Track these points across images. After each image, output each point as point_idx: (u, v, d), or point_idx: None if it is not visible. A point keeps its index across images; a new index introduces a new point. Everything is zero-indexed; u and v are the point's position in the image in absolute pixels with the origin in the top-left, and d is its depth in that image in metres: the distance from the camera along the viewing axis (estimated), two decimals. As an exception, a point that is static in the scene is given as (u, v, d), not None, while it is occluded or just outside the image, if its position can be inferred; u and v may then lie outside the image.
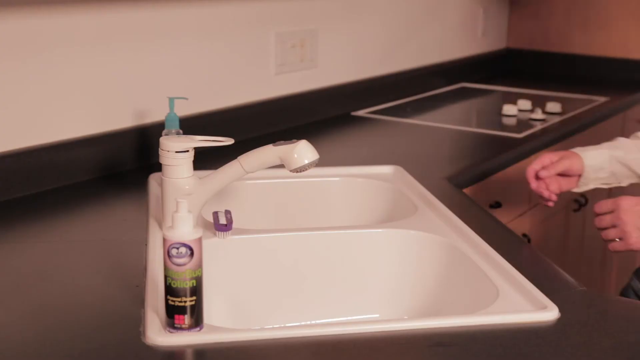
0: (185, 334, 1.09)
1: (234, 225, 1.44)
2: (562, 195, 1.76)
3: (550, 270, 1.36)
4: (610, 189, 1.84)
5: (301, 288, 1.48)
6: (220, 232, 1.43)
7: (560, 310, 1.17)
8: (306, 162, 1.36)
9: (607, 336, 1.15)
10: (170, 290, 1.08)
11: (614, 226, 1.45)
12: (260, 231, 1.49)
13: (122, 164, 1.87)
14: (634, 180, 1.75)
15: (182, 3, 1.98)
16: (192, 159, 1.41)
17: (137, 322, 1.12)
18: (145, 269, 1.29)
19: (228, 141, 1.41)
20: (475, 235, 1.45)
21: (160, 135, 1.69)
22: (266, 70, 2.26)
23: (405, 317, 1.47)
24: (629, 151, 1.71)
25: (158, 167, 1.44)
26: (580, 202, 2.46)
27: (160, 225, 1.46)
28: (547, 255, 1.44)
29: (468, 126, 2.46)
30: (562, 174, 1.70)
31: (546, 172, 1.67)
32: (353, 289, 1.49)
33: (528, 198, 2.22)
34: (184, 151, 1.39)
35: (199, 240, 1.08)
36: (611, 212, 1.46)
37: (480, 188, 1.99)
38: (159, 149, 1.40)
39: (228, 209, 1.49)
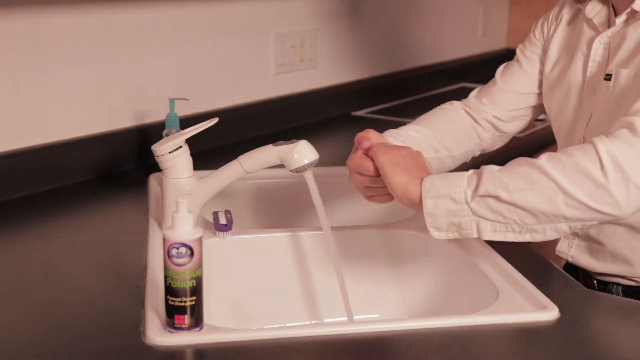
0: (185, 334, 1.08)
1: (234, 225, 1.44)
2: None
3: (550, 270, 1.36)
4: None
5: (301, 288, 1.48)
6: (220, 232, 1.43)
7: (560, 310, 1.17)
8: (306, 162, 1.35)
9: (607, 336, 1.15)
10: (170, 290, 1.08)
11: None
12: (260, 231, 1.49)
13: (122, 164, 1.87)
14: None
15: (183, 3, 1.98)
16: (188, 153, 1.40)
17: (137, 322, 1.12)
18: (145, 269, 1.29)
19: (213, 121, 1.40)
20: (475, 235, 1.45)
21: (161, 135, 1.70)
22: (266, 70, 2.26)
23: (405, 317, 1.47)
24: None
25: (158, 167, 1.44)
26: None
27: (160, 225, 1.46)
28: (547, 255, 1.44)
29: (468, 126, 2.45)
30: None
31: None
32: (353, 289, 1.48)
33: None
34: (177, 149, 1.38)
35: (199, 240, 1.08)
36: None
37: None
38: (155, 157, 1.40)
39: (228, 209, 1.49)
